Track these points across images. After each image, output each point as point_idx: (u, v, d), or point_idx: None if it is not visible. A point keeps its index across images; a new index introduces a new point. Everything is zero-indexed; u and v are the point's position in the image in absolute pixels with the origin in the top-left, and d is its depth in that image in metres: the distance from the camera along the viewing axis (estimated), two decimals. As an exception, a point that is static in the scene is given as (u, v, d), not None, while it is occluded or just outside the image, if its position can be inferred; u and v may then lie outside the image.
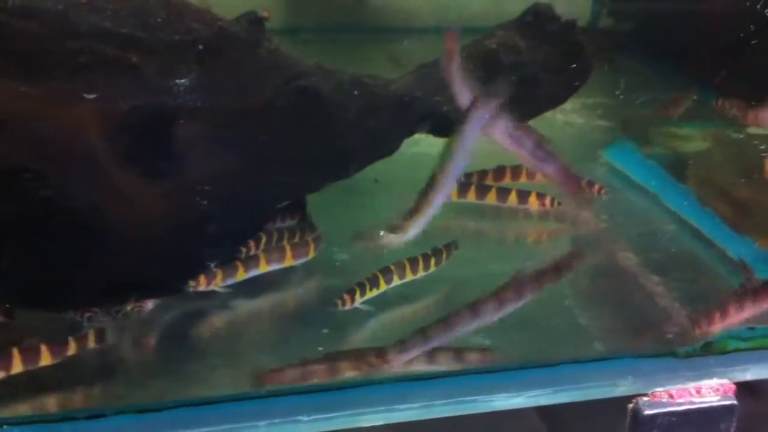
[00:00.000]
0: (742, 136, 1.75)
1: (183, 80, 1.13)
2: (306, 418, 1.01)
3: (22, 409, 1.01)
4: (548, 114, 1.58)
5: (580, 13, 2.48)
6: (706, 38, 1.98)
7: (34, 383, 1.04)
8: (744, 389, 1.18)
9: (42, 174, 1.04)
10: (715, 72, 1.90)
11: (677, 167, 1.65)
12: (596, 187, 1.55)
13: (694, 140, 1.76)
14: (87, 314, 1.12)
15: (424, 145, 1.54)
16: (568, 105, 1.66)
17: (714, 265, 1.42)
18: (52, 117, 1.05)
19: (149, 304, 1.17)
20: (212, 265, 1.19)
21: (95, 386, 1.07)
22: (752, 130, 1.76)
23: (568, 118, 1.93)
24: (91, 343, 1.09)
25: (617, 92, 1.84)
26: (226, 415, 1.00)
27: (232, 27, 1.22)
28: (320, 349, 1.12)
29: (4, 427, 0.93)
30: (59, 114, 1.06)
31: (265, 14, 1.32)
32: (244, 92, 1.20)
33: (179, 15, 1.19)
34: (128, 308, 1.14)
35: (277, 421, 1.00)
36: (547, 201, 1.52)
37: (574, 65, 1.51)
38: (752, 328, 1.19)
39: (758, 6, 1.63)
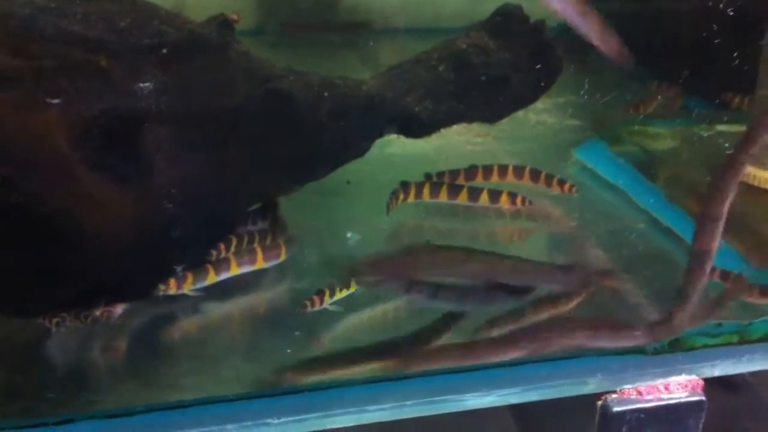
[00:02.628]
0: (709, 134, 1.78)
1: (152, 84, 1.14)
2: (276, 421, 1.01)
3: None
4: (520, 113, 1.59)
5: (553, 13, 2.50)
6: (673, 37, 2.01)
7: (2, 389, 1.04)
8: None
9: (9, 179, 1.03)
10: (681, 70, 1.94)
11: (646, 165, 1.68)
12: (567, 185, 1.57)
13: (662, 139, 1.79)
14: (55, 319, 1.12)
15: (394, 146, 1.56)
16: (540, 104, 1.68)
17: (683, 261, 1.42)
18: (18, 122, 1.05)
19: (118, 309, 1.16)
20: (181, 268, 1.20)
21: (64, 392, 1.06)
22: (720, 127, 1.79)
23: (539, 117, 1.95)
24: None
25: (582, 92, 1.86)
26: (196, 419, 1.00)
27: (201, 30, 1.22)
28: (288, 351, 1.13)
29: (-28, 434, 0.93)
30: (26, 119, 1.05)
31: (235, 17, 1.32)
32: (214, 95, 1.20)
33: (149, 18, 1.20)
34: (97, 313, 1.14)
35: (247, 423, 1.00)
36: (519, 200, 1.53)
37: (543, 65, 1.52)
38: (719, 325, 1.20)
39: (721, 5, 1.66)
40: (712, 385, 1.18)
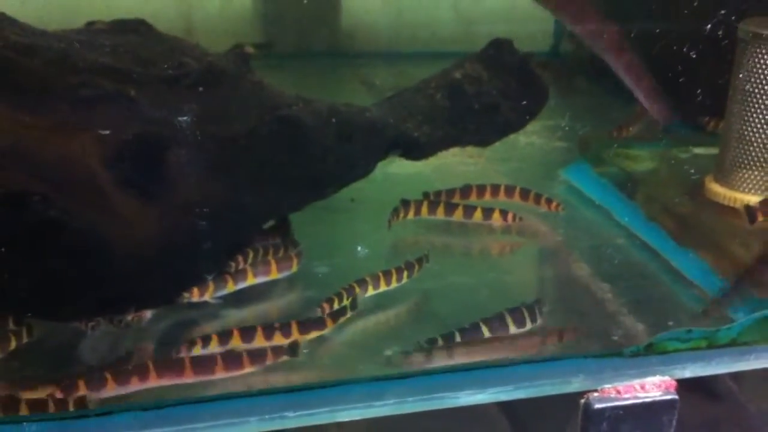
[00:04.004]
0: (686, 156, 1.86)
1: (175, 111, 1.22)
2: (292, 414, 1.09)
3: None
4: (511, 136, 1.66)
5: (544, 38, 2.60)
6: (658, 60, 2.05)
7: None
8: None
9: (48, 197, 1.11)
10: (667, 93, 2.02)
11: (627, 185, 1.75)
12: (554, 204, 1.66)
13: (642, 160, 1.85)
14: (91, 323, 1.21)
15: (395, 166, 1.63)
16: (530, 127, 1.73)
17: (659, 274, 1.51)
18: (55, 145, 1.13)
19: (148, 314, 1.25)
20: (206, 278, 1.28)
21: None
22: (696, 150, 1.88)
23: (529, 139, 2.02)
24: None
25: (568, 116, 1.93)
26: (220, 412, 1.08)
27: (220, 61, 1.30)
28: (305, 351, 1.22)
29: (24, 423, 1.02)
30: (62, 142, 1.14)
31: (250, 50, 1.42)
32: (231, 121, 1.27)
33: (171, 51, 1.28)
34: (129, 318, 1.22)
35: (266, 417, 1.08)
36: (510, 217, 1.61)
37: (531, 94, 1.61)
38: (689, 331, 1.28)
39: (707, 28, 1.73)
40: (695, 394, 1.25)
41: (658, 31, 2.03)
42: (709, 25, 1.70)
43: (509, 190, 1.68)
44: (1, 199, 1.10)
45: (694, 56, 1.77)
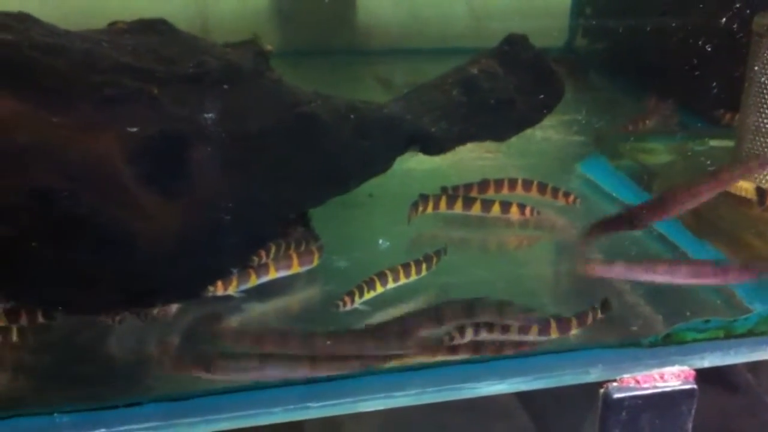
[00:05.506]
0: (701, 149, 1.87)
1: (196, 109, 1.24)
2: (315, 405, 1.12)
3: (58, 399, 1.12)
4: (527, 131, 1.68)
5: (559, 33, 2.61)
6: (671, 55, 2.08)
7: (74, 377, 1.16)
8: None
9: (75, 193, 1.13)
10: (676, 87, 2.02)
11: (644, 178, 1.76)
12: (571, 197, 1.67)
13: (658, 153, 1.87)
14: (118, 317, 1.23)
15: (412, 161, 1.64)
16: (546, 122, 1.73)
17: None
18: (81, 143, 1.15)
19: (173, 308, 1.27)
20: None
21: (127, 379, 1.17)
22: (712, 142, 1.88)
23: (545, 133, 2.01)
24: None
25: (584, 110, 1.94)
26: (245, 403, 1.11)
27: (239, 59, 1.32)
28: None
29: (55, 414, 1.05)
30: (88, 140, 1.15)
31: (269, 47, 1.43)
32: (251, 118, 1.29)
33: (192, 49, 1.30)
34: (155, 311, 1.24)
35: (291, 407, 1.11)
36: (527, 211, 1.62)
37: (547, 89, 1.62)
38: (707, 321, 1.30)
39: (722, 21, 1.74)
40: (712, 385, 1.27)
41: (673, 24, 2.04)
42: (724, 19, 1.70)
43: (526, 184, 1.69)
44: (29, 195, 1.11)
45: (709, 49, 1.78)
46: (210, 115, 1.25)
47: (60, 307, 1.22)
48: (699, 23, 1.98)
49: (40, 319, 1.23)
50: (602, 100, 2.23)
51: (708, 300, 1.44)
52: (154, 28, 1.35)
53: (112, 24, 1.36)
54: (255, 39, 1.41)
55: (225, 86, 1.27)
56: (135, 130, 1.18)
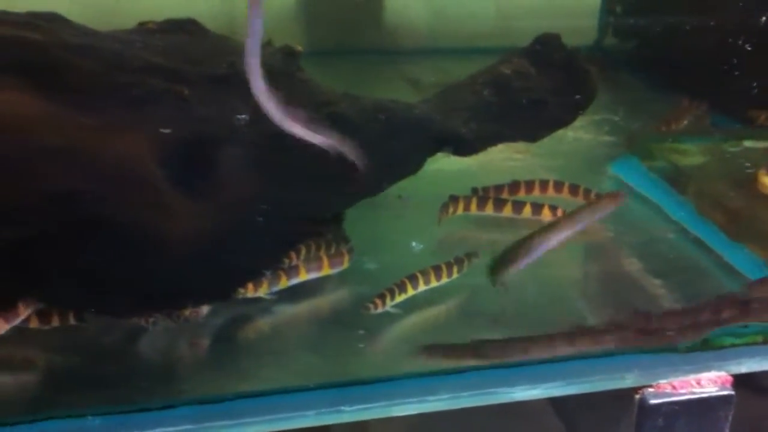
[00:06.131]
0: (736, 150, 1.84)
1: (226, 109, 1.23)
2: (348, 408, 1.11)
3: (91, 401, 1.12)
4: (559, 131, 1.66)
5: (588, 32, 2.59)
6: (704, 54, 2.06)
7: (107, 379, 1.16)
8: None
9: (102, 195, 1.13)
10: (709, 87, 2.00)
11: (677, 180, 1.74)
12: None
13: (692, 154, 1.83)
14: (150, 319, 1.23)
15: (442, 162, 1.61)
16: (577, 122, 1.72)
17: (711, 269, 1.50)
18: (110, 144, 1.14)
19: (204, 310, 1.27)
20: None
21: (160, 381, 1.17)
22: (747, 143, 1.85)
23: (576, 134, 1.99)
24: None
25: (619, 112, 1.92)
26: (278, 405, 1.10)
27: (268, 60, 1.29)
28: (360, 346, 1.23)
29: (88, 417, 1.05)
30: (117, 141, 1.15)
31: (299, 48, 1.43)
32: None
33: (221, 50, 1.30)
34: (186, 313, 1.25)
35: (323, 410, 1.11)
36: (559, 212, 1.59)
37: (579, 89, 1.61)
38: (745, 326, 1.28)
39: (761, 20, 1.71)
40: (742, 388, 1.24)
41: (706, 22, 2.02)
42: (764, 18, 1.68)
43: (558, 186, 1.68)
44: (60, 197, 1.11)
45: (745, 47, 1.76)
46: (240, 115, 1.24)
47: (91, 309, 1.22)
48: (733, 21, 1.96)
49: (72, 321, 1.23)
50: (633, 100, 2.21)
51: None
52: (184, 28, 1.35)
53: (142, 24, 1.36)
54: (269, 43, 1.40)
55: (254, 87, 1.26)
56: (164, 130, 1.18)
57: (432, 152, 1.50)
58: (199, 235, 1.21)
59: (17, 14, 1.20)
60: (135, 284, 1.19)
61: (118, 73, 1.19)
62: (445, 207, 1.57)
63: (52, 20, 1.22)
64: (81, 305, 1.22)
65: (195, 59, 1.27)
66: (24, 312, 1.18)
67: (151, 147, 1.16)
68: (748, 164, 1.72)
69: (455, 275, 1.41)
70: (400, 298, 1.33)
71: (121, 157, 1.15)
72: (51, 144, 1.11)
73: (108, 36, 1.28)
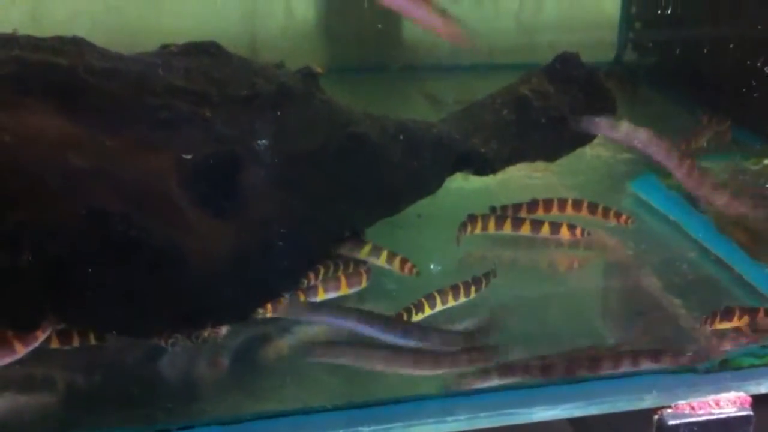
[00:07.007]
0: (757, 168, 1.83)
1: (248, 131, 1.25)
2: (367, 429, 1.12)
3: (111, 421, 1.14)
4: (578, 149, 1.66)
5: (608, 47, 2.58)
6: (725, 70, 2.04)
7: (125, 399, 1.18)
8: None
9: (128, 216, 1.15)
10: (735, 103, 1.98)
11: (697, 198, 1.71)
12: (623, 217, 1.64)
13: (712, 172, 1.84)
14: (170, 339, 1.24)
15: (461, 180, 1.63)
16: (596, 139, 1.70)
17: (732, 288, 1.50)
18: (135, 166, 1.17)
19: (223, 330, 1.27)
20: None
21: (180, 401, 1.18)
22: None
23: (595, 151, 1.96)
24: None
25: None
26: (297, 426, 1.11)
27: (290, 81, 1.33)
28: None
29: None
30: (141, 163, 1.17)
31: (319, 70, 1.44)
32: (302, 139, 1.30)
33: (243, 72, 1.31)
34: (205, 333, 1.25)
35: (341, 431, 1.11)
36: (578, 231, 1.60)
37: (598, 108, 1.59)
38: (765, 346, 1.28)
39: None
40: (762, 408, 1.23)
41: (728, 38, 2.01)
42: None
43: (577, 204, 1.67)
44: (83, 217, 1.13)
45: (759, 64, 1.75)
46: (262, 136, 1.26)
47: (113, 330, 1.24)
48: (755, 36, 1.95)
49: (92, 341, 1.25)
50: (653, 115, 2.19)
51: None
52: (206, 50, 1.36)
53: (164, 47, 1.38)
54: (281, 64, 1.41)
55: (276, 108, 1.28)
56: (188, 152, 1.19)
57: (452, 172, 1.51)
58: (222, 254, 1.22)
59: (43, 39, 1.22)
60: (157, 304, 1.21)
61: (143, 95, 1.20)
62: (463, 226, 1.57)
63: (77, 44, 1.23)
64: (103, 325, 1.23)
65: (218, 81, 1.28)
66: (41, 336, 1.20)
67: (176, 168, 1.18)
68: (765, 183, 1.71)
69: (473, 295, 1.41)
70: (418, 318, 1.34)
71: (147, 178, 1.17)
72: (77, 165, 1.13)
73: (131, 59, 1.28)
